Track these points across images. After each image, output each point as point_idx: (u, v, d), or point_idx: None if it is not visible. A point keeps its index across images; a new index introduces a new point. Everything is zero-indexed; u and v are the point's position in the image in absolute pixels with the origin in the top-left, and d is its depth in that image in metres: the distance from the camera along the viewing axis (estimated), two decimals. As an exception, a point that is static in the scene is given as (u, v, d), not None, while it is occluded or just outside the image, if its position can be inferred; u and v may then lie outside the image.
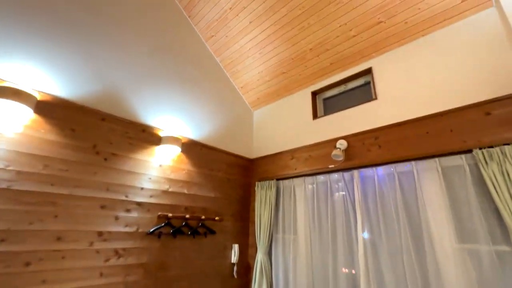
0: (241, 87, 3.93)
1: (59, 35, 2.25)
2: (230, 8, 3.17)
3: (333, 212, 2.77)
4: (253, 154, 3.88)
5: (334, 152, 2.62)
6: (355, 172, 2.69)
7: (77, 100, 2.26)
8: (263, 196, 3.40)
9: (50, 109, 2.09)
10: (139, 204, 2.48)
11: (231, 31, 3.37)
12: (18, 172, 1.86)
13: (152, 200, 2.58)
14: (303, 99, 3.49)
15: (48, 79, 2.13)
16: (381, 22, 2.63)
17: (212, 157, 3.29)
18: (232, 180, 3.49)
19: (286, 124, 3.57)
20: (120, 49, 2.66)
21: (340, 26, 2.77)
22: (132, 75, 2.70)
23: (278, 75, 3.50)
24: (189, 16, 3.49)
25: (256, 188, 3.54)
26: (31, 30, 2.10)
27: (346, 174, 2.76)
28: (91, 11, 2.51)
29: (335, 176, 2.86)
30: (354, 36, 2.82)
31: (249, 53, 3.47)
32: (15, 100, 1.86)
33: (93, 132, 2.31)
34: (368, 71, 2.96)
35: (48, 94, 2.10)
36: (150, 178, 2.60)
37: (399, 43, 2.72)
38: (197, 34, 3.59)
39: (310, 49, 3.07)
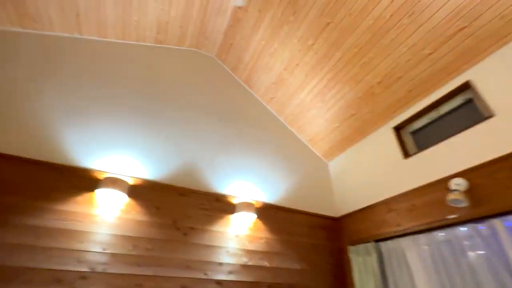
0: (310, 140, 3.73)
1: (142, 124, 2.70)
2: (284, 69, 3.30)
3: (474, 282, 1.87)
4: (337, 212, 3.33)
5: (452, 196, 1.93)
6: (497, 222, 1.85)
7: (160, 179, 2.48)
8: (361, 264, 2.69)
9: (139, 192, 2.33)
10: (219, 283, 2.26)
11: (289, 88, 3.43)
12: (112, 255, 2.00)
13: (232, 277, 2.33)
14: (384, 138, 2.98)
15: (138, 164, 2.45)
16: (463, 28, 2.18)
17: (290, 220, 2.95)
18: (318, 245, 2.96)
19: (371, 170, 3.02)
20: (192, 126, 2.98)
21: (408, 49, 2.43)
22: (203, 149, 2.90)
23: (348, 118, 3.19)
24: (249, 87, 3.80)
25: (350, 254, 2.87)
26: (119, 126, 2.58)
27: (482, 226, 1.93)
28: (166, 101, 3.00)
29: (462, 230, 2.04)
30: (429, 54, 2.39)
31: (311, 104, 3.38)
32: (114, 188, 2.15)
33: (173, 208, 2.41)
34: (466, 86, 2.35)
35: (138, 178, 2.39)
36: (227, 251, 2.43)
37: (499, 44, 2.13)
38: (258, 100, 3.80)
39: (378, 82, 2.75)
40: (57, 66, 2.63)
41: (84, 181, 2.16)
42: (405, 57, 2.49)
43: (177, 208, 2.43)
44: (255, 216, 2.66)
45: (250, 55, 3.46)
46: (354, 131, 3.25)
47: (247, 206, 2.66)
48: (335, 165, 3.66)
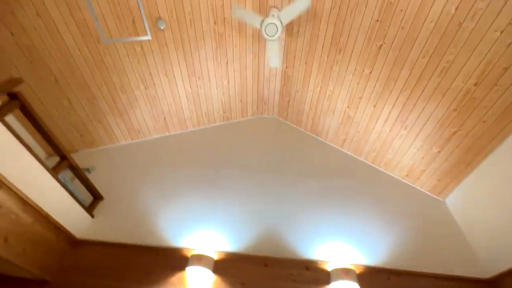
0: (406, 176, 3.04)
1: (220, 196, 2.81)
2: (347, 107, 3.06)
3: None
4: (485, 269, 2.29)
5: None
6: None
7: (243, 251, 2.38)
8: None
9: (224, 267, 2.27)
10: None
11: (359, 125, 3.08)
12: None
13: None
14: (519, 150, 2.11)
15: (220, 237, 2.47)
16: None
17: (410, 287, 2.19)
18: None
19: (517, 200, 2.09)
20: (268, 190, 2.92)
21: (503, 31, 1.86)
22: (283, 210, 2.73)
23: (449, 138, 2.50)
24: (317, 135, 3.64)
25: None
26: (201, 202, 2.76)
27: None
28: (239, 170, 3.12)
29: None
30: (542, 26, 1.75)
31: (391, 134, 2.88)
32: (200, 265, 2.17)
33: (260, 283, 2.19)
34: None
35: (222, 252, 2.37)
36: (332, 338, 1.92)
37: None
38: (330, 145, 3.54)
39: (474, 84, 2.13)
40: (153, 162, 3.25)
41: (176, 260, 2.28)
42: (502, 41, 1.90)
43: (264, 282, 2.20)
44: (357, 285, 2.10)
45: (308, 105, 3.43)
46: (465, 152, 2.46)
47: (345, 273, 2.17)
48: (456, 202, 2.74)
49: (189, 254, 2.31)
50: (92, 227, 2.53)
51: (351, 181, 3.07)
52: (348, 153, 3.43)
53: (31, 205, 1.93)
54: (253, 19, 2.48)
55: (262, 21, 2.44)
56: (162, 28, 2.65)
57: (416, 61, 2.31)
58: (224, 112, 3.74)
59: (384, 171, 3.20)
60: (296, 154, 3.41)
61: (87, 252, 2.35)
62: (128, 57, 2.78)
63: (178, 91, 3.25)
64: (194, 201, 2.79)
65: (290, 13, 2.40)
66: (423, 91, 2.42)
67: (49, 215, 2.08)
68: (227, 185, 2.96)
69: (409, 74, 2.41)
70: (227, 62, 3.21)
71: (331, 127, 3.39)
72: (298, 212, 2.71)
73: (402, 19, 2.20)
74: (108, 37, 2.58)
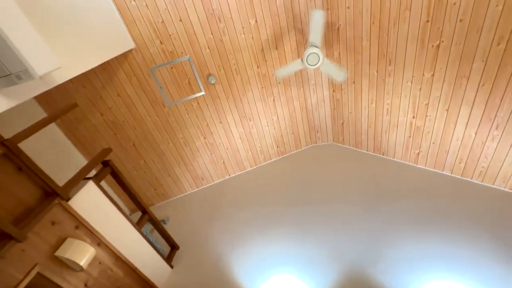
0: (515, 185, 2.44)
1: (293, 237, 2.64)
2: (413, 117, 2.75)
3: None
4: None
5: None
6: None
7: (326, 295, 2.11)
8: None
9: (309, 316, 2.02)
10: None
11: (433, 134, 2.70)
12: None
13: None
14: None
15: (297, 281, 2.26)
16: None
17: None
18: None
19: None
20: (341, 222, 2.65)
21: None
22: (364, 246, 2.41)
23: None
24: (383, 154, 3.31)
25: None
26: (273, 244, 2.62)
27: None
28: (305, 206, 2.95)
29: None
30: None
31: (479, 137, 2.42)
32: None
33: (356, 335, 1.86)
34: None
35: (303, 298, 2.14)
36: None
37: None
38: (401, 162, 3.15)
39: None
40: (218, 206, 3.34)
41: (256, 310, 2.13)
42: None
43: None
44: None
45: (366, 123, 3.22)
46: None
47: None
48: None
49: (268, 302, 2.14)
50: (172, 279, 2.61)
51: (440, 201, 2.59)
52: (427, 168, 2.98)
53: (122, 260, 2.10)
54: (294, 66, 2.58)
55: (301, 60, 2.49)
56: (213, 82, 2.95)
57: (490, 50, 2.01)
58: (278, 147, 3.76)
59: (479, 182, 2.64)
60: (363, 178, 3.11)
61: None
62: (188, 114, 3.12)
63: (233, 134, 3.44)
64: (264, 242, 2.69)
65: (315, 32, 2.34)
66: (509, 80, 2.04)
67: (137, 268, 2.23)
68: (296, 222, 2.80)
69: (484, 66, 2.09)
70: (273, 99, 3.32)
71: (398, 142, 3.05)
72: (383, 245, 2.35)
73: (458, 12, 2.00)
74: (170, 100, 2.97)
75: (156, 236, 2.99)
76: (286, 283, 2.27)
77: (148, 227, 3.04)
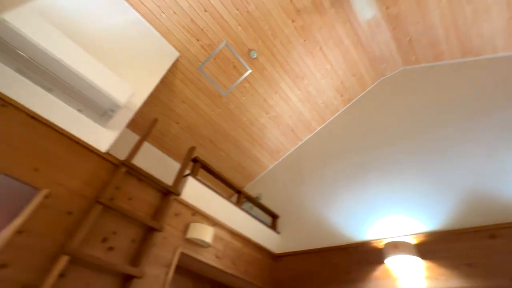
0: None
1: (388, 179, 2.48)
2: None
3: None
4: None
5: None
6: None
7: (449, 227, 1.93)
8: None
9: (430, 249, 1.90)
10: None
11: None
12: None
13: None
14: None
15: (408, 220, 2.13)
16: None
17: None
18: None
19: None
20: (451, 151, 2.33)
21: None
22: (474, 169, 2.06)
23: None
24: (477, 55, 2.66)
25: None
26: (385, 186, 2.51)
27: None
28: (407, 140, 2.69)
29: None
30: None
31: None
32: (399, 253, 1.92)
33: (488, 259, 1.65)
34: None
35: (421, 233, 2.01)
36: None
37: None
38: (503, 56, 2.47)
39: None
40: (301, 172, 3.41)
41: (369, 254, 2.14)
42: None
43: (493, 258, 1.64)
44: None
45: (441, 25, 2.63)
46: None
47: None
48: None
49: (379, 245, 2.11)
50: (281, 242, 2.87)
51: None
52: None
53: (236, 234, 2.44)
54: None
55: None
56: (255, 56, 2.95)
57: None
58: (342, 96, 3.51)
59: None
60: (458, 93, 2.59)
61: (285, 263, 2.65)
62: (244, 96, 3.24)
63: (291, 99, 3.39)
64: (360, 191, 2.62)
65: None
66: None
67: (250, 239, 2.55)
68: (387, 165, 2.61)
69: None
70: (320, 48, 3.08)
71: (494, 32, 2.39)
72: (499, 161, 1.95)
73: None
74: (224, 89, 3.14)
75: (257, 211, 3.31)
76: (395, 223, 2.18)
77: (247, 205, 3.39)
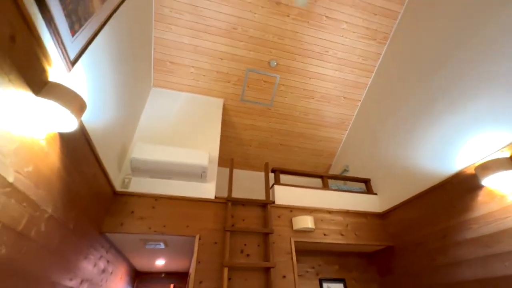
0: None
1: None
2: None
3: None
4: None
5: None
6: None
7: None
8: None
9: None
10: None
11: None
12: None
13: None
14: None
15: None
16: None
17: None
18: None
19: None
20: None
21: None
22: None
23: None
24: None
25: None
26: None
27: None
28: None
29: None
30: None
31: None
32: (491, 173, 1.85)
33: None
34: None
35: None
36: None
37: None
38: None
39: None
40: (372, 131, 3.45)
41: (469, 183, 2.10)
42: None
43: None
44: None
45: None
46: None
47: None
48: None
49: (472, 171, 2.05)
50: (381, 201, 3.05)
51: None
52: None
53: (334, 211, 2.84)
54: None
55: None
56: (275, 64, 3.31)
57: None
58: (375, 39, 3.34)
59: None
60: None
61: (392, 218, 2.80)
62: (285, 97, 3.62)
63: (326, 73, 3.51)
64: (431, 126, 2.53)
65: None
66: None
67: (349, 210, 2.89)
68: (450, 86, 2.41)
69: None
70: (326, 17, 3.11)
71: None
72: None
73: None
74: (268, 102, 3.62)
75: (350, 183, 3.59)
76: (481, 143, 2.06)
77: (339, 183, 3.71)
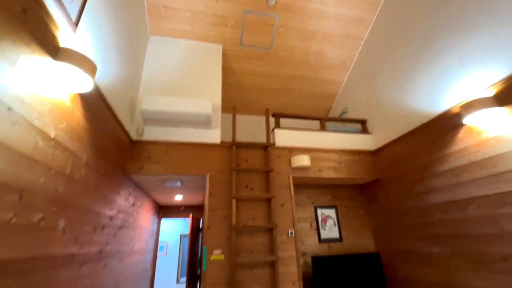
0: None
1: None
2: None
3: None
4: None
5: None
6: None
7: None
8: None
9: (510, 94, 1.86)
10: None
11: None
12: (540, 165, 1.68)
13: None
14: None
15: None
16: None
17: None
18: None
19: None
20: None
21: None
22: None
23: None
24: None
25: None
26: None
27: None
28: None
29: None
30: None
31: None
32: (477, 111, 2.00)
33: None
34: None
35: (497, 82, 1.95)
36: None
37: None
38: None
39: None
40: (372, 72, 3.44)
41: (452, 121, 2.27)
42: None
43: None
44: None
45: None
46: None
47: None
48: None
49: (458, 110, 2.19)
50: (375, 140, 3.29)
51: None
52: None
53: (330, 150, 3.13)
54: None
55: None
56: (273, 2, 3.13)
57: None
58: (383, -33, 3.03)
59: None
60: None
61: (382, 155, 3.08)
62: (285, 39, 3.53)
63: (329, 11, 3.32)
64: (425, 67, 2.56)
65: None
66: None
67: (344, 149, 3.18)
68: (446, 28, 2.34)
69: None
70: None
71: None
72: None
73: None
74: (268, 45, 3.56)
75: (349, 125, 3.79)
76: (470, 84, 2.14)
77: (337, 124, 3.91)
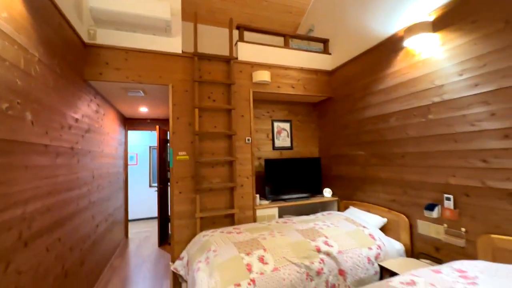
0: None
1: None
2: None
3: None
4: None
5: None
6: None
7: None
8: None
9: (447, 21, 2.07)
10: None
11: None
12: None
13: None
14: None
15: None
16: None
17: None
18: None
19: None
20: None
21: None
22: None
23: None
24: None
25: None
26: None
27: None
28: None
29: None
30: None
31: None
32: (417, 34, 2.22)
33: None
34: None
35: (437, 7, 2.12)
36: None
37: None
38: None
39: None
40: (342, -16, 3.30)
41: (395, 46, 2.50)
42: None
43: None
44: None
45: None
46: None
47: None
48: None
49: (402, 34, 2.38)
50: (333, 60, 3.48)
51: None
52: None
53: (290, 68, 3.29)
54: None
55: None
56: None
57: None
58: None
59: None
60: None
61: (337, 75, 3.35)
62: None
63: None
64: (390, -16, 2.58)
65: None
66: None
67: (303, 67, 3.36)
68: None
69: None
70: None
71: None
72: None
73: None
74: None
75: (313, 44, 3.84)
76: (416, 9, 2.28)
77: (301, 43, 3.93)
